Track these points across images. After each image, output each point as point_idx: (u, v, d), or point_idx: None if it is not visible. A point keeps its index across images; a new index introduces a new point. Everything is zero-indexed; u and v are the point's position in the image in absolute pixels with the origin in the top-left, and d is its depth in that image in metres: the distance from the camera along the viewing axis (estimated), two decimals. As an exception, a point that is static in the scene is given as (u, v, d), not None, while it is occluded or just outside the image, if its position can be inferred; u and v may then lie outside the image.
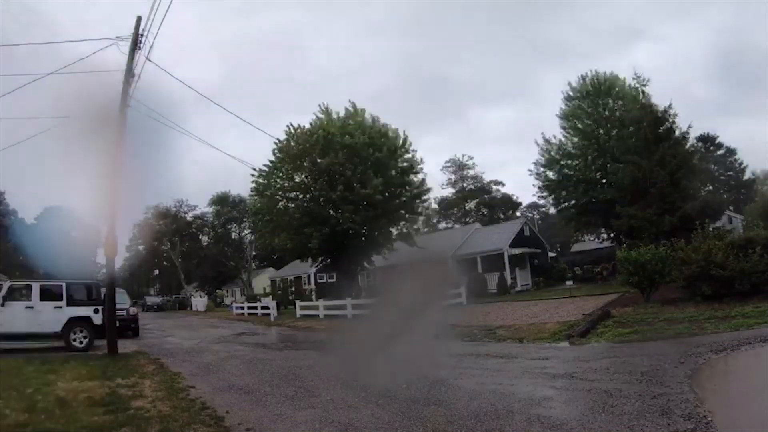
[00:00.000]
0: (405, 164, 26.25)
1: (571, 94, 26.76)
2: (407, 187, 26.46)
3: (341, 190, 23.80)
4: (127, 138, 12.56)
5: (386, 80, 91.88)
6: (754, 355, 7.17)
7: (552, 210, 33.54)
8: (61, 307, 12.68)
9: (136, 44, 12.62)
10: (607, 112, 25.62)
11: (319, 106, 26.82)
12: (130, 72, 12.74)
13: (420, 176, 26.80)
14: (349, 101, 26.99)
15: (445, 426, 4.94)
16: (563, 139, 27.37)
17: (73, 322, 12.71)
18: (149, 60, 12.83)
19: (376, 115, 26.81)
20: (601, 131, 25.53)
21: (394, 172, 25.50)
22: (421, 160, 26.84)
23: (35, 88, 12.18)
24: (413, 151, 26.51)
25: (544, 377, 7.07)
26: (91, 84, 11.69)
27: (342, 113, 26.49)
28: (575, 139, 26.89)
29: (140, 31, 12.62)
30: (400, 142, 26.18)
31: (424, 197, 27.64)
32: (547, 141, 27.59)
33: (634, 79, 25.25)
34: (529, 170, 28.47)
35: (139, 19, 12.68)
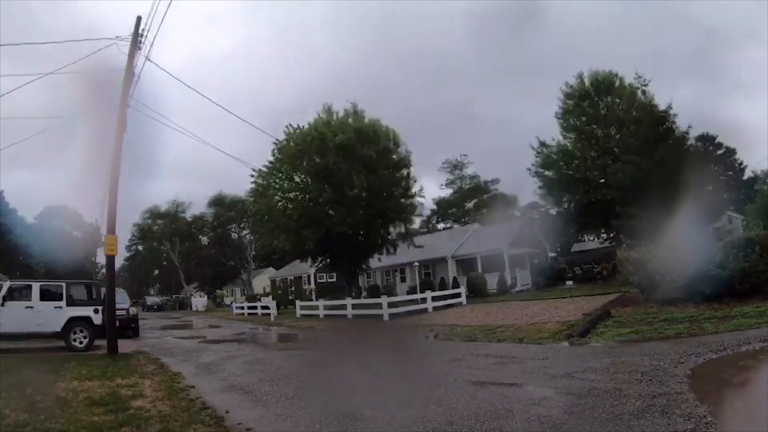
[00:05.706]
0: (394, 159, 25.97)
1: (569, 92, 26.71)
2: (401, 184, 26.24)
3: (330, 191, 23.73)
4: (127, 138, 12.62)
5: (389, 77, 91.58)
6: (754, 355, 7.17)
7: (552, 210, 33.47)
8: (61, 307, 12.67)
9: (136, 44, 12.64)
10: (606, 112, 25.56)
11: (323, 105, 26.75)
12: (130, 72, 12.75)
13: (407, 170, 26.58)
14: (349, 102, 26.85)
15: (445, 426, 4.94)
16: (562, 139, 27.36)
17: (73, 322, 12.71)
18: (149, 60, 12.87)
19: (366, 110, 26.68)
20: (601, 131, 25.49)
21: (385, 171, 25.29)
22: (410, 156, 26.70)
23: (35, 88, 12.18)
24: (401, 145, 26.32)
25: (544, 377, 7.08)
26: (91, 84, 11.71)
27: (341, 113, 26.40)
28: (572, 136, 26.83)
29: (140, 31, 12.64)
30: (390, 137, 25.91)
31: (413, 190, 27.18)
32: (542, 144, 27.55)
33: (635, 78, 25.23)
34: (528, 169, 28.48)
35: (138, 18, 12.71)
